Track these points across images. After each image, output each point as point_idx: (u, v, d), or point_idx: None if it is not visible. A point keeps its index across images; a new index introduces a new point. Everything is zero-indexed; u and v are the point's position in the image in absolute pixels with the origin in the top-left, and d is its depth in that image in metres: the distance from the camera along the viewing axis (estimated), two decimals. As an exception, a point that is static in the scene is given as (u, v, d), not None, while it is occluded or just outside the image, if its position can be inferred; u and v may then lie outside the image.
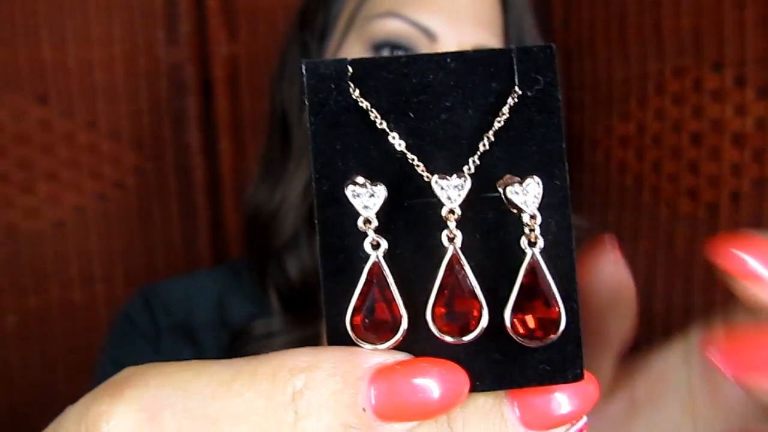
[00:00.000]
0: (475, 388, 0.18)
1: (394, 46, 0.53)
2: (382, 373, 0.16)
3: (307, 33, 0.59)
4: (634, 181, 0.71)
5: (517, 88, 0.19)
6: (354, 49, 0.55)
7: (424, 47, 0.53)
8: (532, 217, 0.18)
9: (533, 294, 0.18)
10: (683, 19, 0.64)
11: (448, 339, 0.18)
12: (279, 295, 0.58)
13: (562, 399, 0.18)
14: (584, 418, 0.19)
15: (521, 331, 0.18)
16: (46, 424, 0.19)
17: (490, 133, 0.19)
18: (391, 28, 0.53)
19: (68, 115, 0.81)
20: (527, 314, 0.18)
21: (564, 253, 0.19)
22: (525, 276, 0.18)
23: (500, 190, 0.18)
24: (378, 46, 0.54)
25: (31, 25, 0.78)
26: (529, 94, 0.19)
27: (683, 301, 0.66)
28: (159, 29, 0.84)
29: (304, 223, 0.60)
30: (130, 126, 0.84)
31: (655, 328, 0.69)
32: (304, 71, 0.19)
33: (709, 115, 0.62)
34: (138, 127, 0.85)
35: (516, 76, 0.19)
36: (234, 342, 0.56)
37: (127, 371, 0.18)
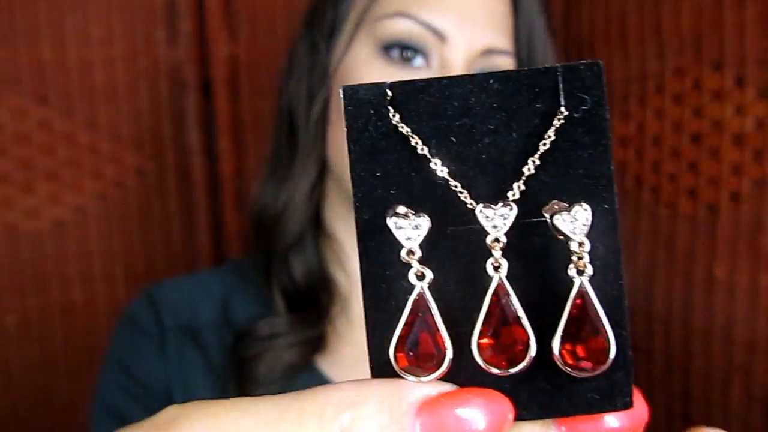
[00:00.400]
0: (521, 417, 0.18)
1: (403, 46, 0.53)
2: (427, 406, 0.16)
3: (315, 32, 0.58)
4: (634, 181, 0.71)
5: (563, 109, 0.19)
6: (363, 49, 0.55)
7: (434, 48, 0.53)
8: (581, 244, 0.18)
9: (582, 324, 0.17)
10: (683, 19, 0.64)
11: (495, 371, 0.17)
12: (284, 295, 0.58)
13: (611, 421, 0.18)
14: None
15: (570, 361, 0.17)
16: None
17: (536, 156, 0.18)
18: (401, 28, 0.53)
19: (68, 115, 0.81)
20: (576, 345, 0.17)
21: (613, 279, 0.18)
22: (573, 305, 0.17)
23: (546, 216, 0.18)
24: (387, 47, 0.53)
25: (31, 25, 0.78)
26: (575, 114, 0.19)
27: (683, 301, 0.66)
28: (159, 29, 0.84)
29: (310, 222, 0.59)
30: (130, 126, 0.84)
31: (655, 328, 0.69)
32: (341, 97, 0.19)
33: (709, 115, 0.62)
34: (138, 127, 0.85)
35: (561, 96, 0.19)
36: (238, 342, 0.56)
37: (172, 411, 0.17)
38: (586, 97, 0.19)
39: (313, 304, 0.57)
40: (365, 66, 0.54)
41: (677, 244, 0.66)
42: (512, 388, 0.18)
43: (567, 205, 0.18)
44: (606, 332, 0.17)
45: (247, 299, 0.61)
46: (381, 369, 0.18)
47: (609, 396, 0.18)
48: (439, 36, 0.53)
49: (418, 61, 0.53)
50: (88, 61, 0.81)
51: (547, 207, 0.18)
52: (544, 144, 0.18)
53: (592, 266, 0.18)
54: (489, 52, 0.54)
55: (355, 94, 0.19)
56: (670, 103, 0.66)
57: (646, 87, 0.69)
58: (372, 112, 0.19)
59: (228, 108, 0.87)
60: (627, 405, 0.18)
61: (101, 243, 0.83)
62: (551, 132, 0.18)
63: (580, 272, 0.18)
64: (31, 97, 0.79)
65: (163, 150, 0.86)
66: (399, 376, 0.17)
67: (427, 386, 0.17)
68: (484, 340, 0.17)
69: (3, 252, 0.79)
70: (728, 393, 0.62)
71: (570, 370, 0.17)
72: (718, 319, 0.62)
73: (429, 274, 0.18)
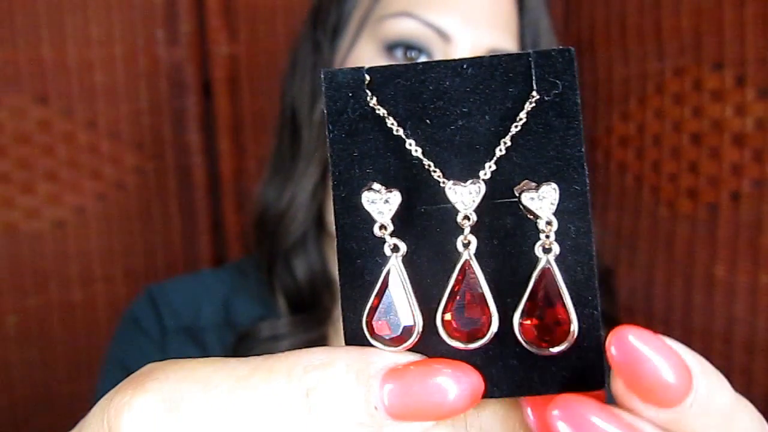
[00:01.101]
0: (491, 394, 0.18)
1: (407, 46, 0.53)
2: (395, 373, 0.17)
3: (319, 31, 0.58)
4: (634, 181, 0.71)
5: (535, 93, 0.19)
6: (367, 48, 0.54)
7: (438, 48, 0.53)
8: (548, 223, 0.18)
9: (544, 301, 0.18)
10: (683, 19, 0.64)
11: (457, 345, 0.18)
12: (286, 296, 0.58)
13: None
14: None
15: (530, 337, 0.18)
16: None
17: (507, 138, 0.19)
18: (405, 28, 0.52)
19: (68, 115, 0.81)
20: (537, 321, 0.18)
21: (583, 259, 0.19)
22: (536, 282, 0.18)
23: (517, 195, 0.18)
24: (391, 47, 0.53)
25: (31, 25, 0.78)
26: (547, 98, 0.19)
27: (683, 301, 0.65)
28: (159, 29, 0.84)
29: (312, 223, 0.59)
30: (130, 126, 0.84)
31: (655, 328, 0.69)
32: (322, 80, 0.20)
33: (709, 115, 0.62)
34: (138, 127, 0.85)
35: (534, 81, 0.19)
36: (240, 343, 0.56)
37: (149, 366, 0.18)
38: (558, 81, 0.19)
39: (315, 305, 0.57)
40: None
41: (677, 244, 0.66)
42: (483, 365, 0.18)
43: (536, 185, 0.18)
44: (568, 310, 0.18)
45: (248, 300, 0.61)
46: (354, 340, 0.18)
47: (581, 376, 0.18)
48: (443, 36, 0.52)
49: (422, 60, 0.53)
50: (88, 61, 0.81)
51: (518, 186, 0.19)
52: (516, 126, 0.19)
53: (562, 246, 0.18)
54: (493, 52, 0.54)
55: (335, 78, 0.20)
56: (670, 103, 0.66)
57: (646, 87, 0.69)
58: (350, 94, 0.19)
59: (228, 108, 0.87)
60: (599, 385, 0.18)
61: (101, 243, 0.83)
62: (523, 114, 0.19)
63: (547, 251, 0.18)
64: (31, 97, 0.79)
65: (163, 150, 0.86)
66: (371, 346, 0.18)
67: (396, 354, 0.17)
68: (448, 315, 0.18)
69: (3, 252, 0.79)
70: (728, 393, 0.62)
71: (531, 346, 0.18)
72: (718, 319, 0.62)
73: (403, 247, 0.18)
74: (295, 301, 0.58)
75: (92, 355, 0.78)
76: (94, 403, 0.19)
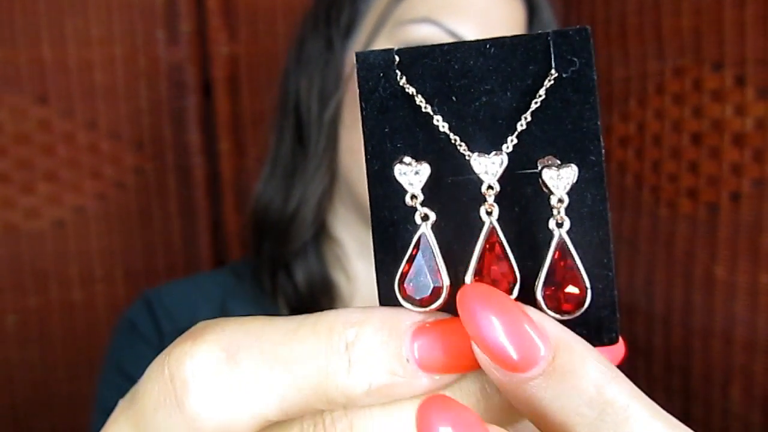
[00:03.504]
0: None
1: None
2: (423, 329, 0.18)
3: (332, 29, 0.57)
4: (634, 181, 0.71)
5: (553, 70, 0.20)
6: None
7: None
8: (560, 200, 0.19)
9: (562, 271, 0.19)
10: (683, 19, 0.64)
11: None
12: (287, 302, 0.58)
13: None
14: None
15: (551, 305, 0.19)
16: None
17: (528, 113, 0.20)
18: (427, 34, 0.53)
19: (68, 115, 0.81)
20: (557, 290, 0.19)
21: (599, 225, 0.20)
22: (553, 255, 0.19)
23: (538, 169, 0.20)
24: None
25: (31, 25, 0.78)
26: (564, 75, 0.20)
27: (683, 301, 0.66)
28: (159, 29, 0.84)
29: (315, 230, 0.59)
30: (130, 126, 0.84)
31: (655, 328, 0.69)
32: (355, 62, 0.21)
33: (709, 115, 0.62)
34: (138, 127, 0.85)
35: (552, 59, 0.20)
36: None
37: (203, 323, 0.20)
38: (575, 59, 0.21)
39: (314, 310, 0.57)
40: None
41: (677, 244, 0.66)
42: None
43: (559, 162, 0.20)
44: (583, 278, 0.19)
45: (245, 303, 0.60)
46: (387, 301, 0.20)
47: (596, 331, 0.20)
48: None
49: None
50: (88, 61, 0.81)
51: (542, 159, 0.20)
52: (536, 102, 0.20)
53: (580, 213, 0.20)
54: None
55: (367, 59, 0.21)
56: (670, 103, 0.66)
57: (646, 87, 0.69)
58: (381, 74, 0.21)
59: (228, 108, 0.87)
60: (613, 340, 0.20)
61: (101, 243, 0.83)
62: (542, 91, 0.20)
63: (559, 225, 0.19)
64: (31, 97, 0.79)
65: (163, 150, 0.86)
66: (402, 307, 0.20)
67: (425, 314, 0.19)
68: (475, 276, 0.19)
69: (3, 252, 0.79)
70: (728, 393, 0.62)
71: (552, 313, 0.19)
72: (718, 319, 0.62)
73: (432, 216, 0.20)
74: (295, 306, 0.57)
75: (92, 355, 0.78)
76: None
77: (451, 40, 0.52)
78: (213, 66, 0.86)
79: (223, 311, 0.60)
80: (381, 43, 0.54)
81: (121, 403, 0.20)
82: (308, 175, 0.57)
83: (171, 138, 0.87)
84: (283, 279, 0.58)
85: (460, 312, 0.18)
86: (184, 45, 0.85)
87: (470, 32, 0.53)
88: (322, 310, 0.18)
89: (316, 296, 0.58)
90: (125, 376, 0.57)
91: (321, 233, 0.60)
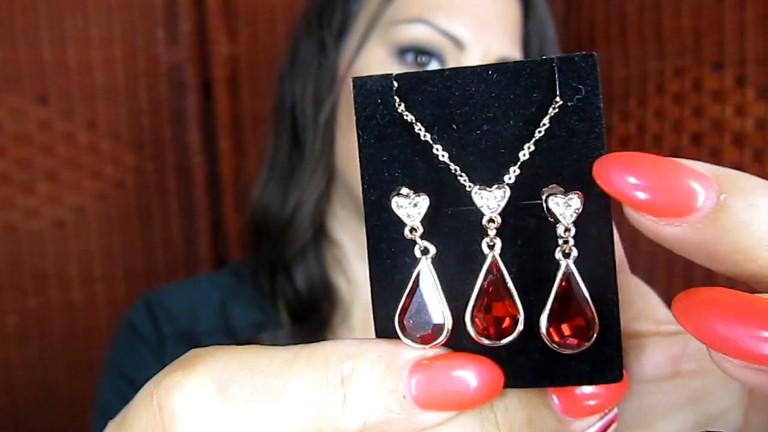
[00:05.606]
0: (515, 385, 0.19)
1: (419, 51, 0.53)
2: (421, 365, 0.18)
3: (325, 31, 0.57)
4: (634, 181, 0.71)
5: (558, 98, 0.20)
6: (377, 51, 0.54)
7: (451, 55, 0.53)
8: (567, 229, 0.19)
9: (568, 303, 0.18)
10: (683, 19, 0.64)
11: (486, 341, 0.19)
12: (287, 305, 0.57)
13: (599, 391, 0.19)
14: (615, 408, 0.20)
15: (557, 339, 0.18)
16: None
17: (531, 142, 0.19)
18: (420, 34, 0.52)
19: (68, 115, 0.81)
20: (562, 323, 0.18)
21: (604, 259, 0.19)
22: (559, 286, 0.19)
23: (543, 197, 0.19)
24: (403, 51, 0.53)
25: (31, 25, 0.78)
26: (570, 103, 0.20)
27: (683, 301, 0.65)
28: (159, 29, 0.85)
29: (313, 232, 0.59)
30: (130, 126, 0.84)
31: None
32: (352, 87, 0.20)
33: (709, 115, 0.62)
34: (138, 127, 0.85)
35: (557, 86, 0.20)
36: None
37: (195, 351, 0.19)
38: (581, 86, 0.20)
39: (314, 313, 0.57)
40: (378, 70, 0.53)
41: (677, 244, 0.66)
42: (508, 359, 0.19)
43: (563, 190, 0.19)
44: (591, 312, 0.18)
45: (245, 305, 0.60)
46: (384, 335, 0.19)
47: (600, 369, 0.19)
48: (457, 43, 0.52)
49: (433, 65, 0.53)
50: (88, 61, 0.81)
51: (546, 189, 0.19)
52: (540, 131, 0.19)
53: (585, 247, 0.19)
54: (503, 59, 0.54)
55: (364, 85, 0.20)
56: (670, 103, 0.66)
57: (646, 87, 0.69)
58: (379, 101, 0.20)
59: (228, 108, 0.87)
60: (617, 379, 0.19)
61: (101, 243, 0.83)
62: (546, 120, 0.19)
63: (566, 255, 0.19)
64: (31, 97, 0.79)
65: (163, 150, 0.86)
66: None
67: (423, 348, 0.19)
68: (477, 313, 0.19)
69: (3, 252, 0.79)
70: (728, 393, 0.62)
71: (556, 347, 0.18)
72: (718, 319, 0.62)
73: (432, 249, 0.19)
74: (295, 309, 0.57)
75: (92, 355, 0.78)
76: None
77: (445, 40, 0.52)
78: (213, 66, 0.86)
79: (223, 313, 0.60)
80: (374, 44, 0.54)
81: (111, 425, 0.20)
82: (305, 178, 0.57)
83: (171, 138, 0.87)
84: (283, 282, 0.58)
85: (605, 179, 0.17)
86: (184, 45, 0.85)
87: (464, 31, 0.52)
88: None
89: (316, 300, 0.57)
90: (125, 378, 0.57)
91: (320, 236, 0.60)
